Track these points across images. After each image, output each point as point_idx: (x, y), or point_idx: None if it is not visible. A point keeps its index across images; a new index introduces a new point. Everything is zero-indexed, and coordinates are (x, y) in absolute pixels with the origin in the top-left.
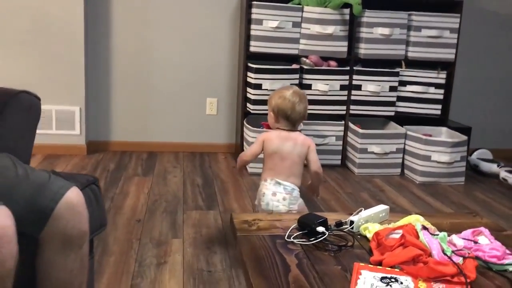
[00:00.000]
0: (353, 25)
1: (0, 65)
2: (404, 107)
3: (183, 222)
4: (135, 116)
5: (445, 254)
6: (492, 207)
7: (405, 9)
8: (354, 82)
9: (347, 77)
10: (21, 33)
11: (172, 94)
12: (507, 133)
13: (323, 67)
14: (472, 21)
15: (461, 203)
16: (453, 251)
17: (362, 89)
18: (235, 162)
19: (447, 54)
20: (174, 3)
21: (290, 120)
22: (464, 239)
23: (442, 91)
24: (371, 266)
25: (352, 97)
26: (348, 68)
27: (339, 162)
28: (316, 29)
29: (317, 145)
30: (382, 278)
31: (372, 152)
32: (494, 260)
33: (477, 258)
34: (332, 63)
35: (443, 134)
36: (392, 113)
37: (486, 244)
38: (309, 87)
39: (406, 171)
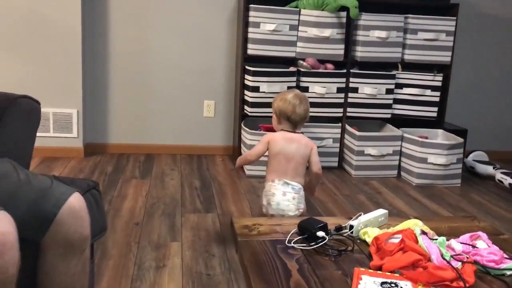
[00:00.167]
0: (350, 28)
1: None
2: (401, 110)
3: (182, 225)
4: (133, 119)
5: (444, 258)
6: (488, 209)
7: (401, 12)
8: (351, 85)
9: (344, 79)
10: (18, 35)
11: (170, 97)
12: (503, 135)
13: (320, 70)
14: (468, 24)
15: (457, 205)
16: (452, 256)
17: (359, 91)
18: (233, 165)
19: (443, 56)
20: (172, 6)
21: (291, 121)
22: (463, 243)
23: (438, 93)
24: (371, 271)
25: (349, 100)
26: (345, 70)
27: (336, 164)
28: (313, 32)
29: None
30: (382, 283)
31: (369, 154)
32: (492, 264)
33: (475, 262)
34: (329, 65)
35: (439, 136)
36: (389, 116)
37: (484, 248)
38: (306, 89)
39: (402, 173)
